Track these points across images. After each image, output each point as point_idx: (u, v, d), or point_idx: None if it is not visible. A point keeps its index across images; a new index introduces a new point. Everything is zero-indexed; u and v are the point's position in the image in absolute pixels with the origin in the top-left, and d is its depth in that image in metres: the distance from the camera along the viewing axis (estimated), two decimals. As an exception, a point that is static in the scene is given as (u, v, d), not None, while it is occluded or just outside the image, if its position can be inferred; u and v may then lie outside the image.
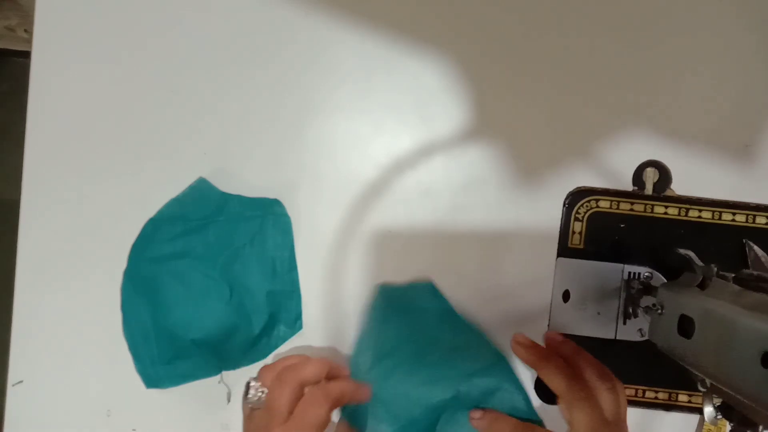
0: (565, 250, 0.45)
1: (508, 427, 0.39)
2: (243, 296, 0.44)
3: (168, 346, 0.43)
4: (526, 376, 0.44)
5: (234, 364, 0.44)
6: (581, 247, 0.45)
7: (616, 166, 0.45)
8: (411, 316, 0.43)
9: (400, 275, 0.45)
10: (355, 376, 0.41)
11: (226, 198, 0.44)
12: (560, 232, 0.45)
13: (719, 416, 0.35)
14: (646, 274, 0.44)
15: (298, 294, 0.45)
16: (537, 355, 0.40)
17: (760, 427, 0.32)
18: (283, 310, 0.44)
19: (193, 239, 0.44)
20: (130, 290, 0.44)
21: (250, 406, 0.38)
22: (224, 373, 0.44)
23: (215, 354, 0.43)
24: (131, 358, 0.44)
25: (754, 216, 0.45)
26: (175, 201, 0.44)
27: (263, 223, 0.44)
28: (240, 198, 0.44)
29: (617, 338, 0.44)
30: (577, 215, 0.45)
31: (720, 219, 0.45)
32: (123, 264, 0.44)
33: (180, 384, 0.44)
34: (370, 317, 0.44)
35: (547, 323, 0.45)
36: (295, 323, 0.45)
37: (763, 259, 0.44)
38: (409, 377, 0.40)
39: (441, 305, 0.44)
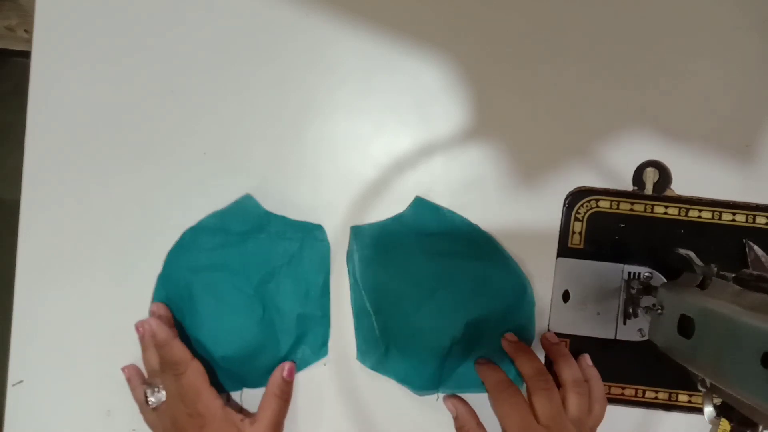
0: (565, 250, 0.45)
1: (531, 367, 0.40)
2: (274, 316, 0.43)
3: None
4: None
5: (256, 383, 0.44)
6: (581, 247, 0.45)
7: (616, 166, 0.45)
8: (396, 253, 0.44)
9: (400, 275, 0.45)
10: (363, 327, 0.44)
11: (270, 217, 0.44)
12: (560, 232, 0.45)
13: (719, 416, 0.35)
14: (646, 274, 0.44)
15: (327, 320, 0.44)
16: (517, 346, 0.43)
17: (760, 427, 0.32)
18: (310, 333, 0.44)
19: (231, 252, 0.43)
20: (162, 295, 0.44)
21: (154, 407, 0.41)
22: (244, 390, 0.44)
23: (239, 371, 0.43)
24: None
25: (754, 216, 0.45)
26: (217, 213, 0.44)
27: (302, 245, 0.44)
28: (283, 219, 0.44)
29: (617, 338, 0.44)
30: (577, 215, 0.45)
31: (720, 219, 0.45)
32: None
33: None
34: (355, 265, 0.44)
35: (547, 323, 0.45)
36: (320, 349, 0.44)
37: (763, 259, 0.44)
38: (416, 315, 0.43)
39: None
